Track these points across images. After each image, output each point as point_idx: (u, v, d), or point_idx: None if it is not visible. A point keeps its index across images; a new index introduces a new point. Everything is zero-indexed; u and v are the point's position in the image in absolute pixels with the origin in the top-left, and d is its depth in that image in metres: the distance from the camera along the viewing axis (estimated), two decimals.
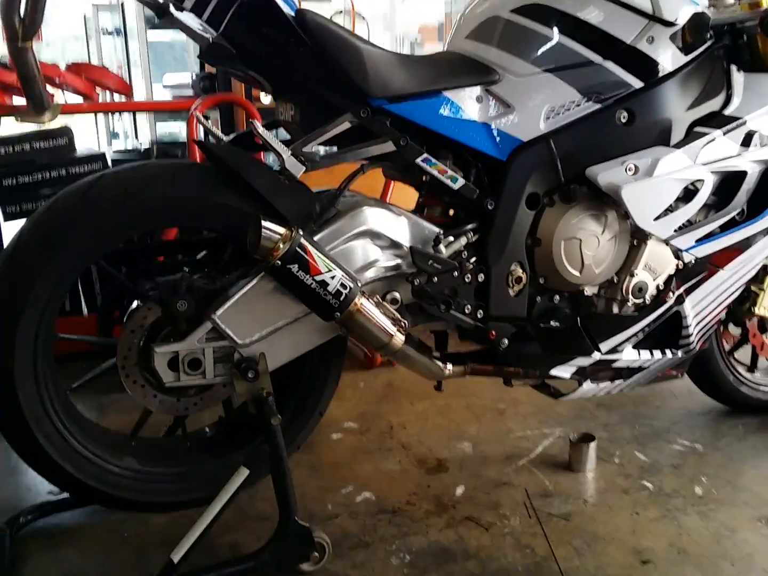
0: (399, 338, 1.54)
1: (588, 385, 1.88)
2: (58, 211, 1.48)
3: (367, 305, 1.50)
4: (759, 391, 2.27)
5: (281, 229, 1.42)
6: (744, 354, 2.28)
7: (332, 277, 1.44)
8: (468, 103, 1.65)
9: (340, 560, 1.64)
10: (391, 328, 1.53)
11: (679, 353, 1.93)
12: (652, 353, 1.89)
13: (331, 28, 1.48)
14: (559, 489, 1.92)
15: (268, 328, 1.53)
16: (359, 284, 1.49)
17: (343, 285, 1.45)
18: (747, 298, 2.09)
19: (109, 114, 4.72)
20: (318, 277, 1.43)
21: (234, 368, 1.51)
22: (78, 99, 3.13)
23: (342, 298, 1.45)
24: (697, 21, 1.72)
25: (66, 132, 2.81)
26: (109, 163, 2.90)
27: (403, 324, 1.56)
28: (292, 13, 1.44)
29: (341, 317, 1.47)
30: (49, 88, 2.91)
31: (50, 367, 1.56)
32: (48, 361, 1.55)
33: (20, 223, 2.77)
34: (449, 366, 1.74)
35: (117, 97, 3.45)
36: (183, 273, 1.54)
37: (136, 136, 4.56)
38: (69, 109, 2.87)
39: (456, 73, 1.66)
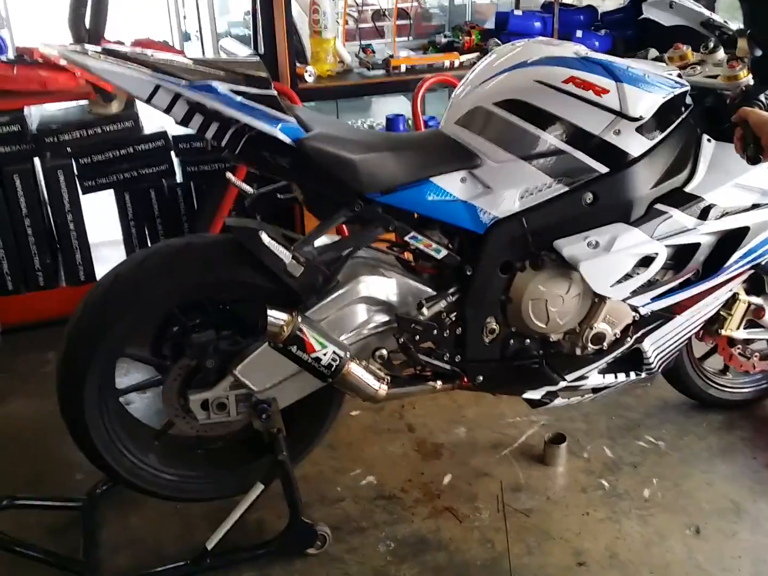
0: (383, 391, 1.92)
1: (559, 401, 2.21)
2: (150, 269, 1.86)
3: (355, 369, 1.86)
4: (726, 392, 2.57)
5: (284, 316, 1.78)
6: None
7: (324, 354, 1.81)
8: (452, 185, 1.91)
9: (339, 544, 2.10)
10: (376, 384, 1.90)
11: (643, 374, 2.23)
12: (616, 376, 2.20)
13: (328, 150, 1.75)
14: (529, 483, 2.32)
15: (278, 378, 1.92)
16: (348, 354, 1.85)
17: (334, 358, 1.82)
18: (717, 319, 2.34)
19: None
20: (313, 355, 1.80)
21: (251, 409, 1.92)
22: None
23: (333, 369, 1.82)
24: (667, 110, 1.91)
25: (131, 116, 3.15)
26: (170, 140, 3.25)
27: (386, 380, 1.92)
28: (294, 142, 1.72)
29: (333, 381, 1.85)
30: None
31: (111, 377, 1.97)
32: (110, 373, 1.96)
33: (97, 195, 3.18)
34: (438, 383, 2.10)
35: None
36: (212, 336, 1.92)
37: None
38: None
39: (443, 159, 1.91)
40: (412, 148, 1.92)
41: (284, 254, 1.77)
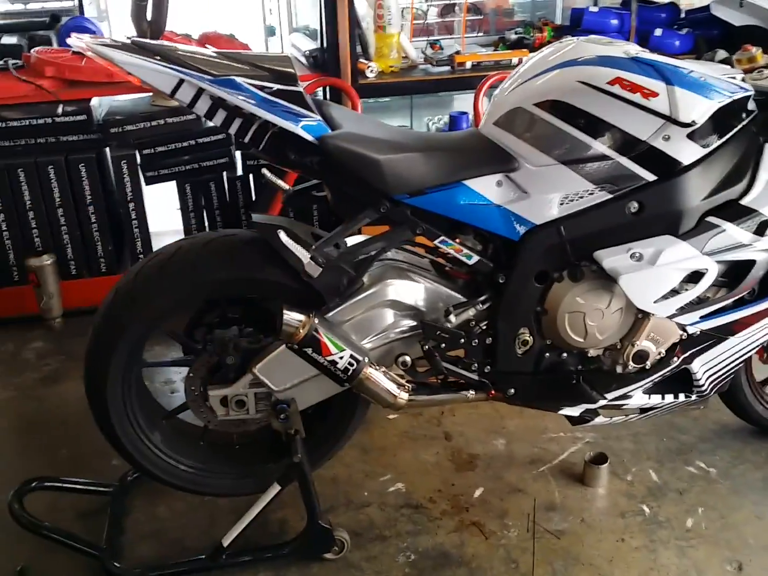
0: (402, 399, 1.85)
1: (601, 419, 2.09)
2: (213, 252, 1.84)
3: (374, 375, 1.81)
4: None
5: (300, 317, 1.74)
6: None
7: (341, 357, 1.76)
8: (487, 188, 1.82)
9: (358, 551, 2.05)
10: (396, 391, 1.84)
11: (693, 397, 2.09)
12: (663, 397, 2.07)
13: (351, 148, 1.70)
14: (564, 503, 2.21)
15: (297, 378, 1.88)
16: (367, 359, 1.79)
17: (350, 363, 1.77)
18: None
19: None
20: (329, 358, 1.76)
21: (270, 409, 1.89)
22: None
23: (350, 373, 1.78)
24: (724, 116, 1.77)
25: None
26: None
27: (407, 387, 1.86)
28: (316, 139, 1.67)
29: (351, 385, 1.80)
30: None
31: (142, 345, 1.95)
32: (143, 340, 1.93)
33: (159, 186, 3.23)
34: (471, 393, 2.02)
35: None
36: (233, 332, 1.89)
37: None
38: None
39: (478, 162, 1.83)
40: (445, 149, 1.85)
41: (303, 254, 1.73)
